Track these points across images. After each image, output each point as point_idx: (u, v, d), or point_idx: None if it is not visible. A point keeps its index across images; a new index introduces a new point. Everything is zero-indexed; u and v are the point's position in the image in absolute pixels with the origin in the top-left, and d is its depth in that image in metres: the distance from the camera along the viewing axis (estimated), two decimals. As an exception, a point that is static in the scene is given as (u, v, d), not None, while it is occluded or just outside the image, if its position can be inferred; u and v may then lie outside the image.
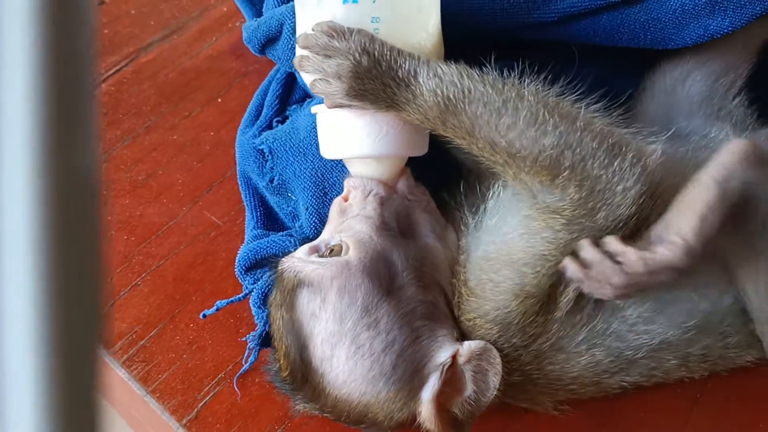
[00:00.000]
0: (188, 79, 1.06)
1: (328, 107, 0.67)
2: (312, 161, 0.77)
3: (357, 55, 0.63)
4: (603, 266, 0.62)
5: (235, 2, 1.06)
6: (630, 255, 0.62)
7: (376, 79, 0.64)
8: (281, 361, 0.68)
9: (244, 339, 0.78)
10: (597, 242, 0.64)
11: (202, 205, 0.92)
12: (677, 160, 0.73)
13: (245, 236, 0.84)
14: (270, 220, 0.83)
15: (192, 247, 0.89)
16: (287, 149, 0.79)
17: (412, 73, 0.64)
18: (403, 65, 0.64)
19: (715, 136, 0.78)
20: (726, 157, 0.66)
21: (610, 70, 0.86)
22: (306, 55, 0.66)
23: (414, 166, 0.73)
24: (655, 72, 0.84)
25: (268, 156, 0.80)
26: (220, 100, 1.04)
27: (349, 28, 0.64)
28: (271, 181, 0.80)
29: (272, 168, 0.80)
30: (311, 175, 0.77)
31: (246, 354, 0.78)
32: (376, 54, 0.64)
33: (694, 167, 0.74)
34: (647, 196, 0.64)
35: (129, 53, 1.09)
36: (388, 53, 0.64)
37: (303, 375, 0.66)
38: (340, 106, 0.66)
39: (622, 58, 0.85)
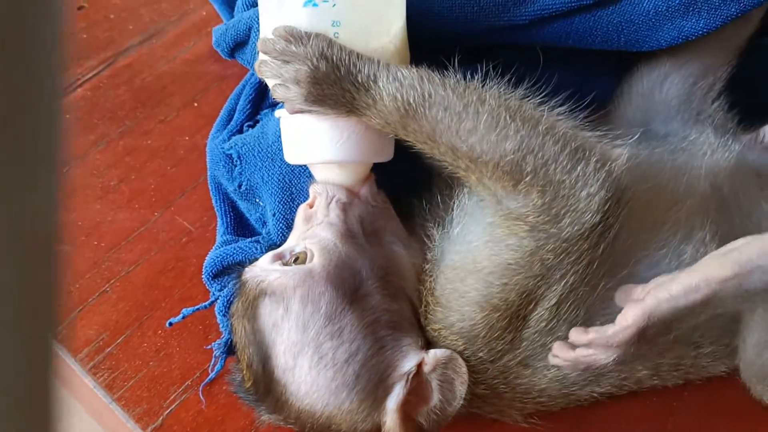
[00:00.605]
0: (165, 83, 1.05)
1: (289, 113, 0.66)
2: (280, 166, 0.76)
3: (315, 60, 0.62)
4: (581, 360, 0.63)
5: (213, 5, 1.06)
6: (598, 341, 0.62)
7: (334, 84, 0.63)
8: (244, 372, 0.67)
9: (210, 347, 0.77)
10: (564, 342, 0.64)
11: (174, 210, 0.91)
12: (650, 164, 0.71)
13: (216, 242, 0.83)
14: (240, 226, 0.82)
15: (162, 253, 0.87)
16: (255, 154, 0.78)
17: (372, 78, 0.63)
18: (363, 70, 0.63)
19: (695, 138, 0.76)
20: (739, 259, 0.59)
21: (587, 72, 0.85)
22: (265, 60, 0.65)
23: (381, 173, 0.72)
24: (632, 75, 0.83)
25: (236, 161, 0.79)
26: (196, 104, 1.03)
27: (307, 33, 0.63)
28: (240, 186, 0.79)
29: (241, 173, 0.79)
30: (279, 180, 0.76)
31: (212, 362, 0.77)
32: (335, 59, 0.63)
33: (670, 171, 0.73)
34: (613, 202, 0.63)
35: (106, 57, 1.08)
36: (347, 57, 0.63)
37: (266, 386, 0.65)
38: (300, 111, 0.65)
39: (598, 59, 0.83)
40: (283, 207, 0.75)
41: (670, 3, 0.74)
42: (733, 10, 0.74)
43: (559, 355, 0.63)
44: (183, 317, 0.77)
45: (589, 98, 0.68)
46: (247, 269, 0.67)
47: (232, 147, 0.80)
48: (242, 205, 0.82)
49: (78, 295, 0.84)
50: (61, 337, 0.82)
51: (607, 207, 0.63)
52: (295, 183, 0.75)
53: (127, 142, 0.98)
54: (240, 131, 0.84)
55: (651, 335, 0.60)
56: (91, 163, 0.96)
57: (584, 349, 0.62)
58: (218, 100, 1.00)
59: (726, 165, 0.74)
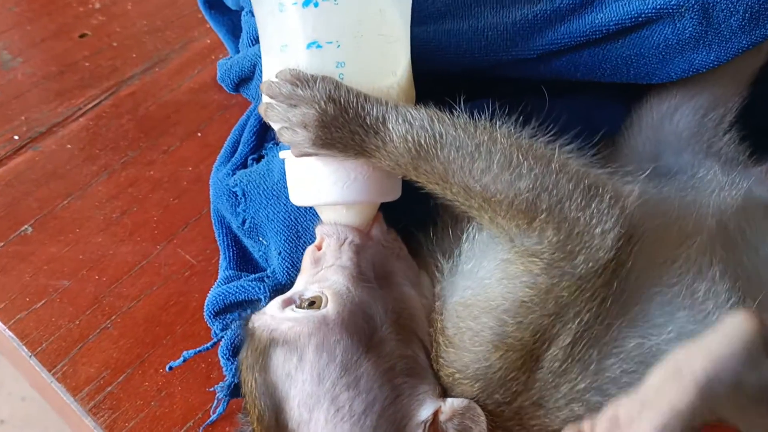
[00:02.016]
0: (168, 112, 1.04)
1: (296, 156, 0.65)
2: (285, 204, 0.74)
3: (322, 103, 0.61)
4: None
5: (218, 35, 1.05)
6: None
7: (343, 127, 0.61)
8: (254, 426, 0.63)
9: (213, 389, 0.75)
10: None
11: (176, 243, 0.90)
12: (659, 201, 0.70)
13: (218, 276, 0.81)
14: (244, 261, 0.81)
15: (165, 288, 0.86)
16: (260, 192, 0.76)
17: (381, 119, 0.62)
18: (371, 111, 0.62)
19: (703, 176, 0.75)
20: (723, 343, 0.53)
21: (594, 104, 0.84)
22: (271, 104, 0.64)
23: (385, 208, 0.71)
24: (642, 106, 0.82)
25: (241, 198, 0.78)
26: (199, 134, 1.02)
27: (313, 76, 0.62)
28: (243, 222, 0.77)
29: (245, 210, 0.77)
30: (284, 218, 0.74)
31: (215, 404, 0.75)
32: (342, 101, 0.61)
33: (679, 208, 0.71)
34: (625, 239, 0.61)
35: (109, 86, 1.08)
36: (355, 99, 0.62)
37: None
38: (308, 155, 0.64)
39: (606, 90, 0.82)
40: (289, 246, 0.74)
41: (680, 36, 0.73)
42: (744, 42, 0.73)
43: None
44: (184, 360, 0.75)
45: (599, 135, 0.67)
46: (255, 316, 0.65)
47: (237, 184, 0.78)
48: (246, 242, 0.80)
49: (78, 332, 0.82)
50: (61, 375, 0.80)
51: (620, 243, 0.61)
52: (301, 222, 0.74)
53: (130, 172, 0.97)
54: (244, 165, 0.83)
55: None
56: (93, 195, 0.95)
57: None
58: (222, 130, 0.99)
59: (733, 202, 0.73)
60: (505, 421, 0.65)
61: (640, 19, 0.72)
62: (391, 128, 0.61)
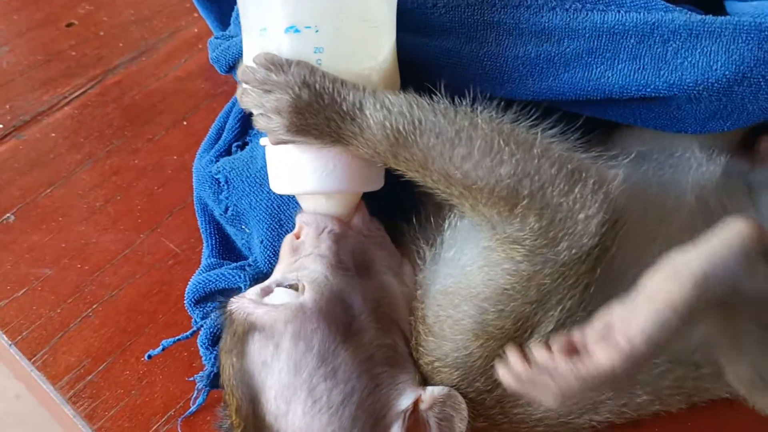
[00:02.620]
0: (154, 101, 1.03)
1: (272, 143, 0.64)
2: (268, 192, 0.73)
3: (296, 88, 0.60)
4: (532, 377, 0.54)
5: (207, 22, 1.04)
6: (559, 367, 0.53)
7: (318, 113, 0.60)
8: (233, 418, 0.63)
9: (192, 379, 0.74)
10: (524, 352, 0.56)
11: (160, 231, 0.89)
12: (638, 182, 0.69)
13: (201, 264, 0.80)
14: (226, 249, 0.80)
15: (147, 276, 0.85)
16: (244, 179, 0.75)
17: (358, 106, 0.60)
18: (348, 97, 0.60)
19: (681, 154, 0.73)
20: (719, 245, 0.54)
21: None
22: (246, 90, 0.62)
23: (367, 196, 0.70)
24: None
25: (223, 185, 0.77)
26: (185, 122, 1.01)
27: (288, 60, 0.61)
28: (226, 210, 0.76)
29: (227, 197, 0.76)
30: (267, 207, 0.73)
31: (194, 395, 0.74)
32: (317, 87, 0.60)
33: (657, 187, 0.70)
34: (610, 225, 0.60)
35: (95, 75, 1.06)
36: (330, 85, 0.60)
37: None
38: (284, 142, 0.63)
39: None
40: (271, 234, 0.72)
41: (695, 107, 0.67)
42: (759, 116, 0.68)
43: (510, 362, 0.55)
44: (163, 349, 0.74)
45: (582, 119, 0.65)
46: (234, 299, 0.64)
47: (219, 171, 0.77)
48: (229, 230, 0.79)
49: (59, 320, 0.81)
50: (41, 364, 0.79)
51: (604, 229, 0.60)
52: (284, 210, 0.73)
53: (114, 161, 0.96)
54: (228, 152, 0.82)
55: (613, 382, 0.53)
56: (77, 184, 0.94)
57: (539, 373, 0.54)
58: (208, 118, 0.97)
59: (712, 178, 0.72)
60: (487, 410, 0.65)
61: (648, 90, 0.67)
62: (368, 114, 0.60)
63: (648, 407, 0.70)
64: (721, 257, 0.53)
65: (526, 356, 0.55)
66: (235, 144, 0.82)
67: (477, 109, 0.62)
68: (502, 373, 0.56)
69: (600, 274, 0.62)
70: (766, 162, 0.79)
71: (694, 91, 0.65)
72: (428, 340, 0.63)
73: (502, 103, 0.62)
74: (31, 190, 0.93)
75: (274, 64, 0.61)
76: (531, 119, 0.63)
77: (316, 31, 0.61)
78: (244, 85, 0.63)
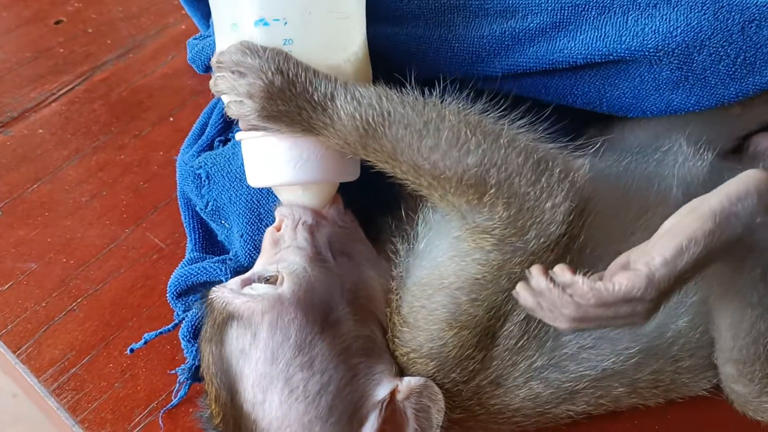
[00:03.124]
0: (141, 97, 1.04)
1: (243, 129, 0.65)
2: (248, 187, 0.74)
3: (270, 74, 0.61)
4: (552, 296, 0.57)
5: (193, 20, 1.05)
6: (579, 286, 0.55)
7: (290, 101, 0.61)
8: (212, 407, 0.63)
9: (174, 372, 0.75)
10: (548, 270, 0.58)
11: (145, 226, 0.90)
12: (618, 174, 0.69)
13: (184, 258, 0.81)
14: (210, 243, 0.81)
15: (132, 271, 0.86)
16: (224, 174, 0.76)
17: (329, 96, 0.61)
18: (319, 87, 0.61)
19: (668, 148, 0.74)
20: (736, 186, 0.57)
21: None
22: (220, 75, 0.63)
23: (346, 191, 0.70)
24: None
25: (205, 180, 0.77)
26: (172, 119, 1.01)
27: (263, 47, 0.61)
28: (206, 205, 0.77)
29: (209, 192, 0.77)
30: (246, 201, 0.74)
31: (176, 388, 0.74)
32: (291, 74, 0.61)
33: (639, 180, 0.71)
34: (577, 213, 0.61)
35: (83, 72, 1.07)
36: (303, 74, 0.61)
37: (235, 421, 0.62)
38: (255, 128, 0.63)
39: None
40: (251, 228, 0.73)
41: (657, 76, 0.69)
42: (733, 90, 0.69)
43: (533, 278, 0.57)
44: (145, 342, 0.75)
45: (549, 108, 0.66)
46: (215, 288, 0.65)
47: (201, 166, 0.78)
48: (211, 224, 0.80)
49: (44, 314, 0.82)
50: (26, 357, 0.80)
51: (571, 218, 0.61)
52: (263, 204, 0.74)
53: (101, 157, 0.97)
54: (211, 147, 0.82)
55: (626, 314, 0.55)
56: (63, 179, 0.94)
57: (556, 289, 0.55)
58: (194, 115, 0.97)
59: (699, 173, 0.72)
60: (464, 401, 0.65)
61: (611, 57, 0.69)
62: (339, 106, 0.61)
63: (625, 400, 0.70)
64: (738, 195, 0.56)
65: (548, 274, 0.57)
66: (218, 139, 0.83)
67: (446, 100, 0.63)
68: (521, 289, 0.58)
69: (570, 262, 0.62)
70: (755, 160, 0.80)
71: (655, 56, 0.67)
72: (403, 331, 0.64)
73: (472, 93, 0.63)
74: (18, 186, 0.94)
75: (250, 49, 0.61)
76: (500, 110, 0.63)
77: (285, 23, 0.62)
78: (218, 73, 0.64)
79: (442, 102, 0.63)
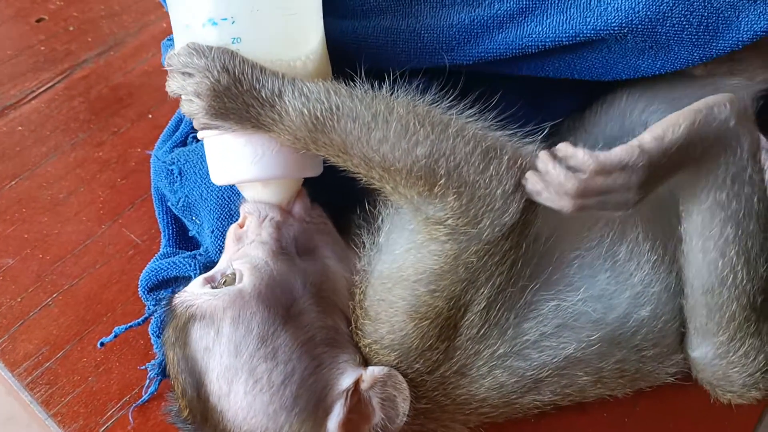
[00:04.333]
0: (120, 95, 1.05)
1: (196, 128, 0.66)
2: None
3: (215, 72, 0.61)
4: (556, 172, 0.60)
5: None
6: (580, 155, 0.60)
7: (236, 98, 0.62)
8: (180, 401, 0.64)
9: (144, 367, 0.76)
10: (553, 152, 0.62)
11: (122, 222, 0.90)
12: None
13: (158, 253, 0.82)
14: (183, 239, 0.81)
15: (108, 267, 0.86)
16: (196, 171, 0.77)
17: (277, 93, 0.62)
18: (266, 84, 0.62)
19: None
20: (713, 98, 0.65)
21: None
22: (171, 76, 0.64)
23: (316, 186, 0.71)
24: (615, 92, 0.81)
25: (177, 176, 0.78)
26: (150, 116, 1.02)
27: (209, 47, 0.62)
28: (178, 201, 0.78)
29: (181, 188, 0.78)
30: (217, 197, 0.75)
31: (147, 384, 0.75)
32: (236, 72, 0.62)
33: None
34: (528, 200, 0.62)
35: (63, 70, 1.08)
36: (250, 71, 0.62)
37: (202, 414, 0.62)
38: (206, 126, 0.64)
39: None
40: (222, 224, 0.74)
41: (622, 46, 0.71)
42: (696, 56, 0.70)
43: (540, 161, 0.61)
44: (115, 336, 0.75)
45: (498, 95, 0.67)
46: (177, 295, 0.66)
47: (174, 162, 0.79)
48: (183, 220, 0.80)
49: (20, 309, 0.83)
50: (1, 351, 0.81)
51: (523, 204, 0.62)
52: (234, 200, 0.74)
53: (79, 154, 0.97)
54: (184, 143, 0.83)
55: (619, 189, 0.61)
56: (42, 176, 0.95)
57: (559, 165, 0.60)
58: (173, 112, 0.98)
59: None
60: (430, 391, 0.66)
61: (578, 38, 0.70)
62: (287, 102, 0.62)
63: (591, 390, 0.71)
64: (715, 102, 0.64)
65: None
66: (192, 135, 0.84)
67: (395, 92, 0.64)
68: (530, 175, 0.61)
69: (526, 250, 0.63)
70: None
71: (620, 34, 0.68)
72: (365, 323, 0.65)
73: (421, 84, 0.64)
74: (-4, 182, 0.94)
75: (196, 50, 0.62)
76: (450, 99, 0.64)
77: (233, 22, 0.63)
78: (169, 73, 0.65)
79: (391, 94, 0.63)
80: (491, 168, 0.61)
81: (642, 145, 0.61)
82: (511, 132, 0.64)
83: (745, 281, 0.65)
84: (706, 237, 0.65)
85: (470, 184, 0.60)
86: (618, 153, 0.60)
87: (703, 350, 0.70)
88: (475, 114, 0.64)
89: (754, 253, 0.65)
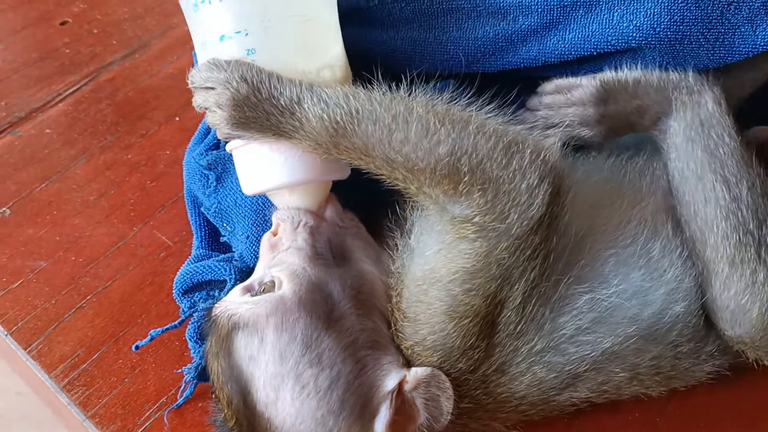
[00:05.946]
0: (147, 98, 1.05)
1: (221, 138, 0.67)
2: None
3: (234, 83, 0.63)
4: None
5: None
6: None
7: (256, 107, 0.63)
8: (225, 411, 0.64)
9: (180, 371, 0.76)
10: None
11: (153, 224, 0.91)
12: (604, 168, 0.71)
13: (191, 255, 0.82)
14: (215, 241, 0.81)
15: (140, 268, 0.87)
16: (234, 179, 0.77)
17: (296, 100, 0.63)
18: (285, 92, 0.63)
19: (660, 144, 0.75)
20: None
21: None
22: (195, 92, 0.66)
23: (349, 190, 0.72)
24: None
25: (212, 182, 0.79)
26: (177, 118, 1.03)
27: (228, 60, 0.64)
28: (211, 206, 0.78)
29: (215, 192, 0.78)
30: (252, 203, 0.76)
31: (182, 387, 0.75)
32: (255, 81, 0.63)
33: (630, 173, 0.73)
34: (554, 191, 0.62)
35: (89, 72, 1.08)
36: (267, 80, 0.63)
37: (249, 422, 0.63)
38: (229, 136, 0.66)
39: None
40: (257, 230, 0.75)
41: (642, 60, 0.72)
42: (707, 65, 0.71)
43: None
44: (151, 339, 0.76)
45: (514, 93, 0.68)
46: (217, 305, 0.66)
47: (211, 167, 0.79)
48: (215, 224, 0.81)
49: (54, 311, 0.83)
50: (36, 353, 0.81)
51: (549, 196, 0.62)
52: (268, 207, 0.75)
53: (108, 156, 0.98)
54: (217, 146, 0.83)
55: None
56: (71, 178, 0.96)
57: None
58: (199, 115, 0.95)
59: None
60: (472, 390, 0.66)
61: (599, 51, 0.71)
62: (306, 108, 0.63)
63: (627, 387, 0.71)
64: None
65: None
66: (225, 138, 0.84)
67: (413, 93, 0.64)
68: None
69: (557, 243, 0.64)
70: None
71: (640, 52, 0.70)
72: (405, 325, 0.65)
73: (438, 83, 0.65)
74: (26, 185, 0.95)
75: (215, 64, 0.64)
76: (467, 97, 0.65)
77: (246, 34, 0.64)
78: (193, 90, 0.67)
79: (409, 95, 0.64)
80: (514, 162, 0.61)
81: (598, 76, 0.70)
82: (531, 125, 0.65)
83: (734, 205, 0.67)
84: (704, 205, 0.68)
85: (494, 180, 0.61)
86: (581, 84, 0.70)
87: (729, 303, 0.69)
88: (493, 110, 0.65)
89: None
